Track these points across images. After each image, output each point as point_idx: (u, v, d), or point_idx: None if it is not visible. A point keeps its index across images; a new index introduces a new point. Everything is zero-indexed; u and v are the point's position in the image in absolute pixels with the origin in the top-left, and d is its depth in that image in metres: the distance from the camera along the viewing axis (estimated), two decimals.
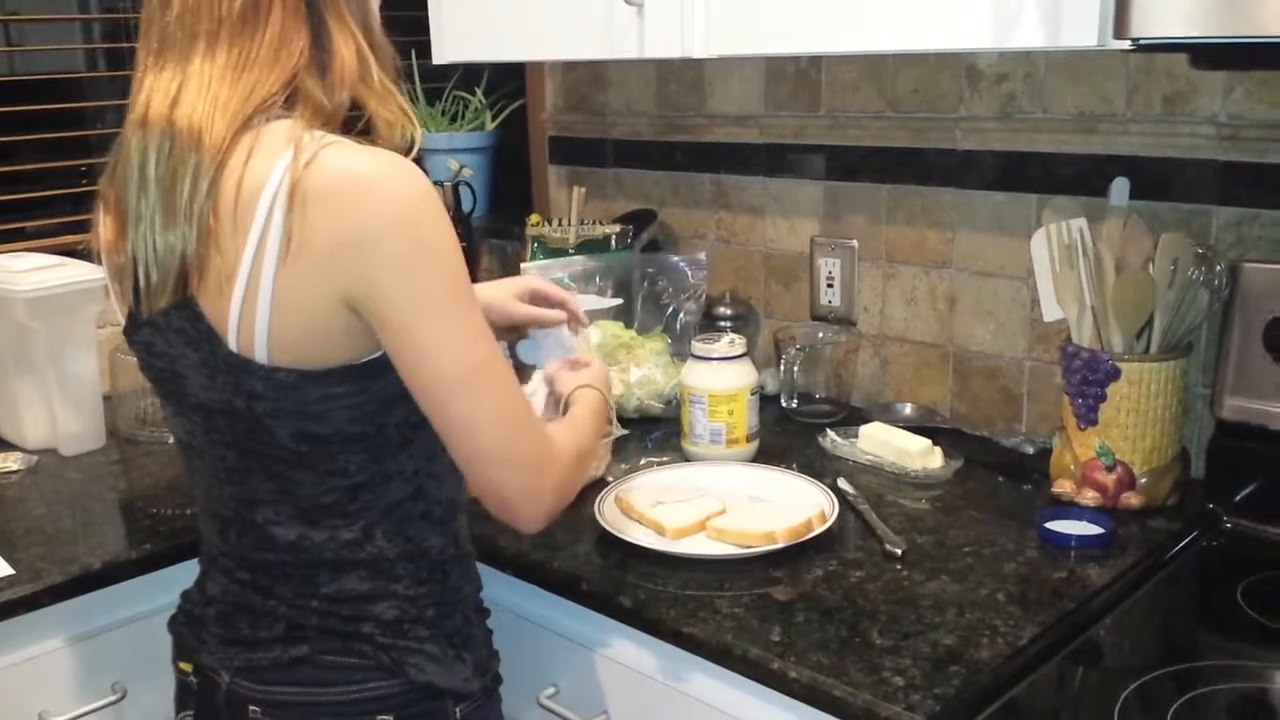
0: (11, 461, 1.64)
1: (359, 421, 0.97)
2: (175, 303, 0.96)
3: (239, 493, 1.03)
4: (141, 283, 0.97)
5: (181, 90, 0.94)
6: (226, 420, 0.99)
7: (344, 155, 0.91)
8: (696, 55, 1.46)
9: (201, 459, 1.05)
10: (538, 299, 1.35)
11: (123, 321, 1.04)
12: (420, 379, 0.94)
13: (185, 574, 1.31)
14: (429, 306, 0.92)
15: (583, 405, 1.19)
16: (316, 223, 0.90)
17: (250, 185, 0.91)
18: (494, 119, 2.32)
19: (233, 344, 0.95)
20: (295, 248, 0.90)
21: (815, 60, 1.78)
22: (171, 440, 1.71)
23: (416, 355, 0.93)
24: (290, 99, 0.95)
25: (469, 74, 2.33)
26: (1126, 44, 1.09)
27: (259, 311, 0.93)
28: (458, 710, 1.06)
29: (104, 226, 1.03)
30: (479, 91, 2.33)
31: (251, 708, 1.04)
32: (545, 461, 1.00)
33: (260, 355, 0.94)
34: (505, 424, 0.97)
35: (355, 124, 0.98)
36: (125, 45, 2.12)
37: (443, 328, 0.93)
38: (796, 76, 1.81)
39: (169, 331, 0.98)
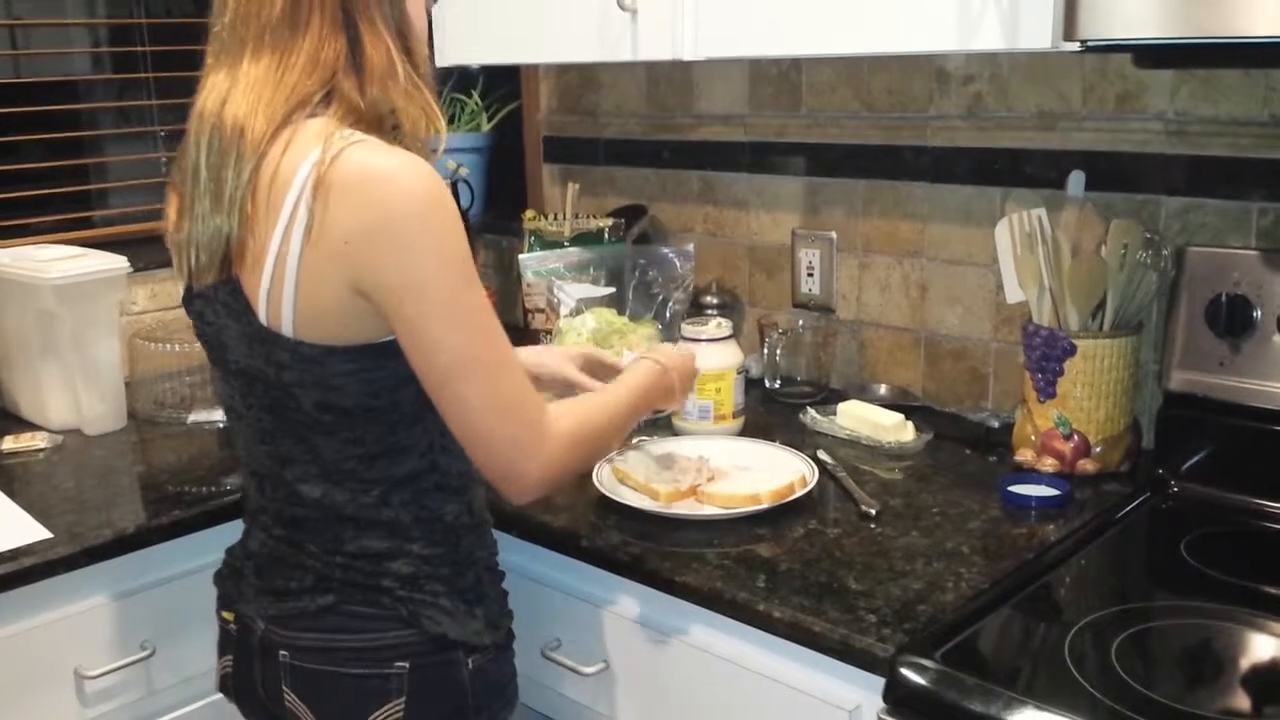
0: (39, 440, 1.73)
1: (376, 396, 1.06)
2: (220, 279, 1.06)
3: (272, 452, 1.13)
4: (191, 261, 1.08)
5: (231, 90, 1.04)
6: (262, 386, 1.09)
7: (367, 153, 1.00)
8: (686, 57, 1.57)
9: (242, 420, 1.15)
10: (593, 367, 1.45)
11: (181, 291, 1.15)
12: (420, 364, 1.03)
13: (209, 541, 1.41)
14: (431, 299, 1.01)
15: (625, 382, 1.29)
16: (336, 213, 0.99)
17: (283, 176, 1.01)
18: (490, 120, 2.42)
19: (263, 318, 1.04)
20: (317, 235, 1.00)
21: (796, 63, 1.89)
22: (189, 420, 1.82)
23: (417, 343, 1.02)
24: (328, 98, 1.04)
25: (465, 77, 2.43)
26: (1076, 45, 1.21)
27: (285, 291, 1.02)
28: (470, 661, 1.14)
29: (170, 207, 1.14)
30: (475, 94, 2.43)
31: (281, 652, 1.13)
32: (533, 445, 1.06)
33: (287, 330, 1.04)
34: (495, 410, 1.04)
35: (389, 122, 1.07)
36: (136, 49, 2.21)
37: (444, 320, 1.01)
38: (778, 79, 1.92)
39: (216, 303, 1.08)
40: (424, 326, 1.01)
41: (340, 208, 0.99)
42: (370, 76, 1.05)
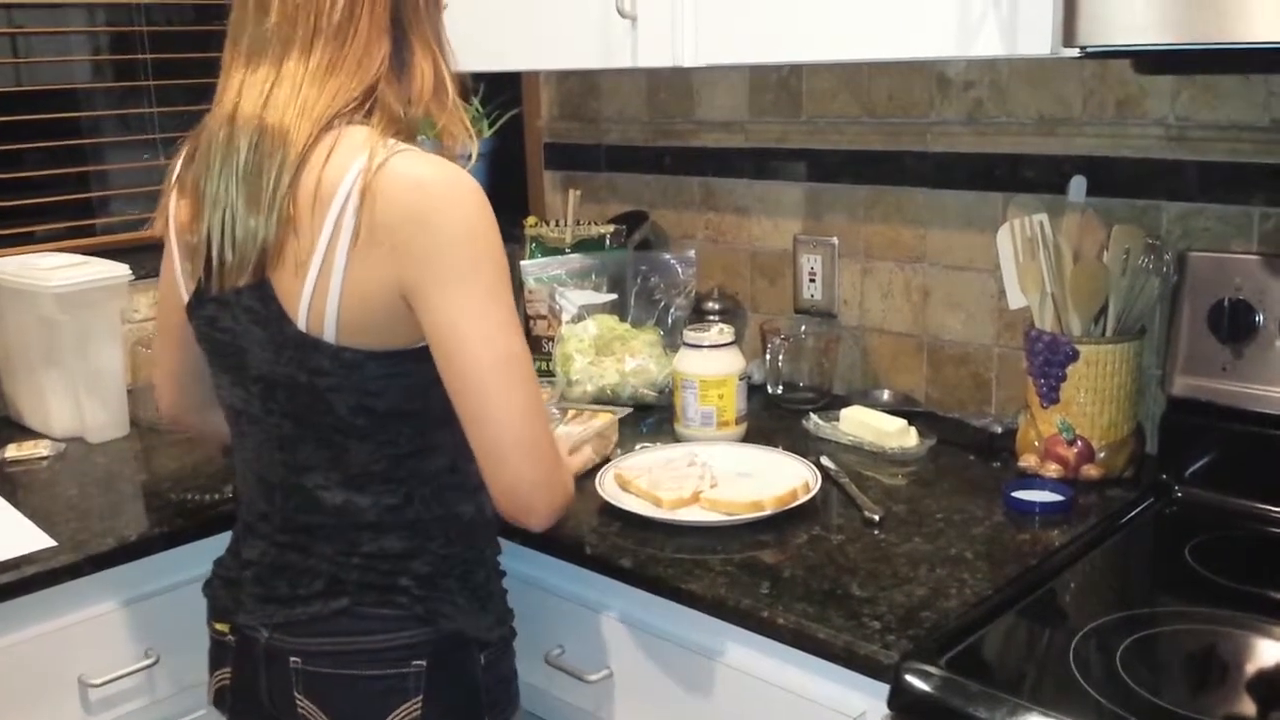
0: (41, 448, 1.73)
1: (411, 399, 1.07)
2: (251, 283, 1.06)
3: (290, 459, 1.13)
4: (215, 262, 1.07)
5: (274, 90, 1.04)
6: (285, 393, 1.09)
7: (413, 162, 1.02)
8: (686, 64, 1.57)
9: (256, 426, 1.14)
10: None
11: (186, 297, 1.14)
12: (455, 366, 1.04)
13: (213, 548, 1.40)
14: (470, 301, 1.02)
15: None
16: (383, 219, 1.00)
17: (328, 182, 1.02)
18: (491, 127, 2.42)
19: (302, 324, 1.04)
20: (364, 242, 1.01)
21: (796, 69, 1.89)
22: None
23: (454, 344, 1.03)
24: (369, 106, 1.05)
25: (465, 84, 2.43)
26: (1076, 51, 1.21)
27: (330, 296, 1.03)
28: (481, 657, 1.16)
29: (178, 209, 1.13)
30: (475, 101, 2.42)
31: (292, 659, 1.13)
32: (557, 458, 1.09)
33: (329, 336, 1.04)
34: (527, 417, 1.05)
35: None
36: (137, 57, 2.21)
37: (480, 321, 1.03)
38: (779, 85, 1.93)
39: (237, 309, 1.08)
40: (462, 327, 1.02)
41: (387, 214, 1.00)
42: (416, 91, 1.07)
